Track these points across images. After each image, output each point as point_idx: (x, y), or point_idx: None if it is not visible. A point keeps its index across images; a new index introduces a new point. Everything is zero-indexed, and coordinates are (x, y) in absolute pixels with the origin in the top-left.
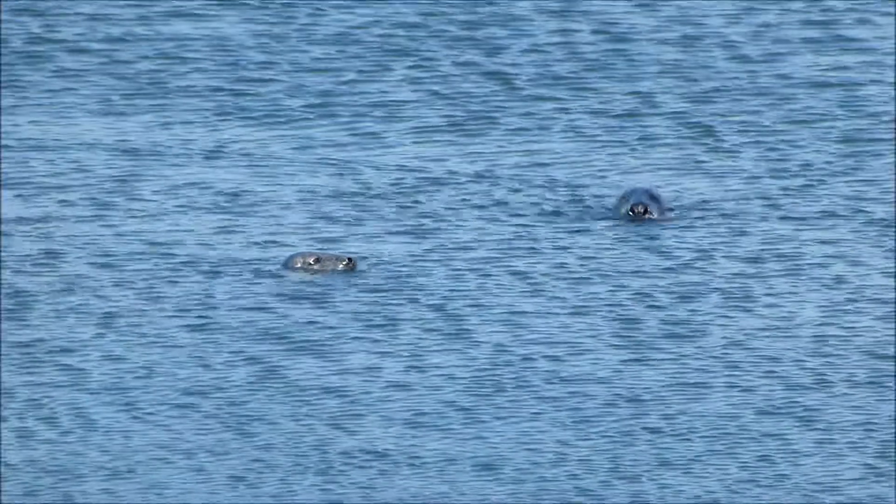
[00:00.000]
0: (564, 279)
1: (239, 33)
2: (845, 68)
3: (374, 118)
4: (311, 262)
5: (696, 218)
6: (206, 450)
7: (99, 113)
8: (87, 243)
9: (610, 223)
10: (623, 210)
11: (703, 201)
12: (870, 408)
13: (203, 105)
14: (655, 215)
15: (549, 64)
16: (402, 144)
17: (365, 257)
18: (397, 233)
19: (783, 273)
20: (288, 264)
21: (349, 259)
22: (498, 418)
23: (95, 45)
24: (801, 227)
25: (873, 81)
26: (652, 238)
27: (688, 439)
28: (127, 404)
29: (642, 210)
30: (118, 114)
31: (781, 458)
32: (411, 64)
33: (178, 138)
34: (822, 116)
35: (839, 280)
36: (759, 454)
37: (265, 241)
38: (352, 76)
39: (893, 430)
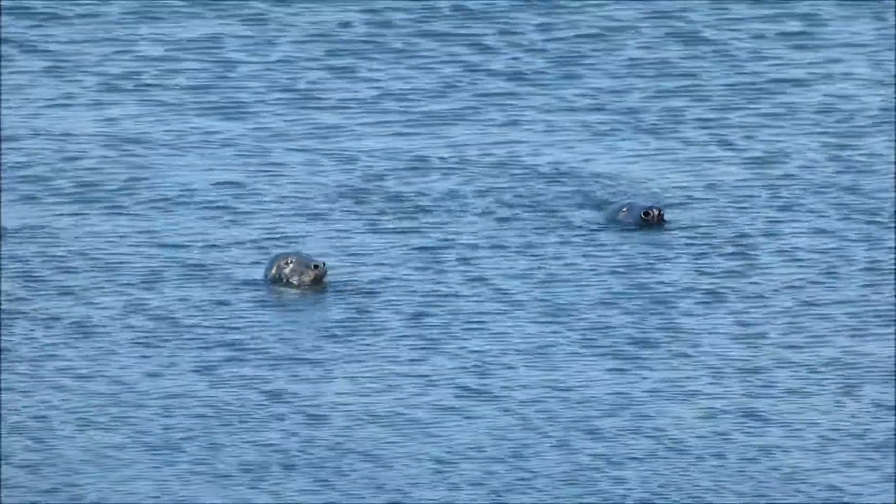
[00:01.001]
0: (547, 282)
1: (215, 32)
2: (826, 63)
3: (350, 113)
4: (285, 263)
5: (675, 215)
6: (173, 448)
7: (68, 110)
8: (51, 245)
9: (609, 228)
10: (633, 218)
11: (682, 199)
12: (850, 410)
13: (179, 103)
14: (666, 220)
15: (528, 57)
16: (378, 139)
17: (329, 263)
18: (376, 232)
19: (764, 272)
20: (270, 266)
21: (316, 265)
22: (470, 421)
23: (67, 46)
24: (783, 224)
25: (851, 76)
26: (638, 240)
27: (661, 440)
28: (99, 406)
29: (657, 213)
30: (90, 111)
31: (758, 454)
32: (386, 58)
33: (149, 135)
34: (802, 111)
35: (825, 274)
36: (737, 453)
37: (240, 242)
38: (326, 72)
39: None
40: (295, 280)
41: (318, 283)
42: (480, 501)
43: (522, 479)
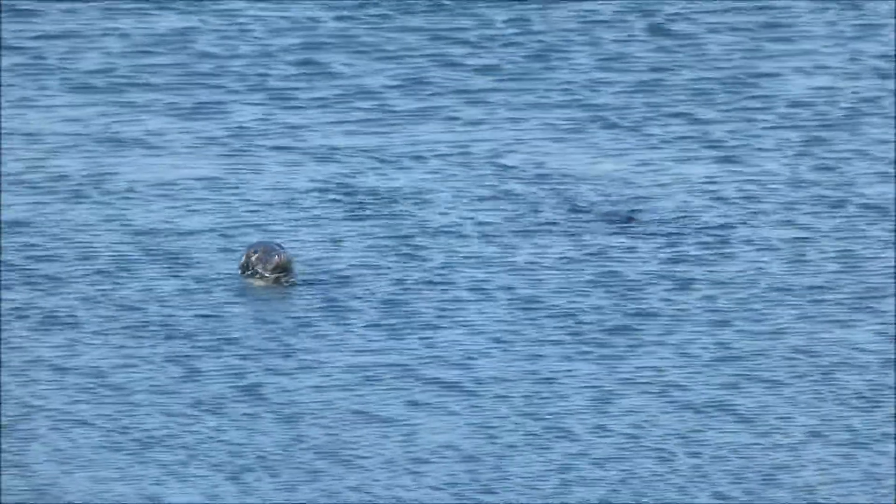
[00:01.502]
0: (520, 274)
1: (187, 26)
2: (799, 55)
3: (323, 108)
4: (252, 252)
5: (648, 207)
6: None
7: (45, 107)
8: (31, 235)
9: (581, 220)
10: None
11: (655, 192)
12: (818, 404)
13: (155, 98)
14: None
15: (502, 52)
16: (355, 135)
17: (303, 256)
18: (349, 224)
19: (737, 263)
20: (241, 257)
21: (279, 253)
22: (442, 417)
23: (40, 43)
24: (755, 221)
25: (824, 69)
26: (612, 232)
27: (635, 436)
28: (74, 402)
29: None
30: (65, 108)
31: (726, 452)
32: (359, 52)
33: (122, 131)
34: (774, 104)
35: (796, 264)
36: (706, 451)
37: (215, 234)
38: (306, 67)
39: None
40: (261, 269)
41: (286, 272)
42: (452, 501)
43: (499, 478)
